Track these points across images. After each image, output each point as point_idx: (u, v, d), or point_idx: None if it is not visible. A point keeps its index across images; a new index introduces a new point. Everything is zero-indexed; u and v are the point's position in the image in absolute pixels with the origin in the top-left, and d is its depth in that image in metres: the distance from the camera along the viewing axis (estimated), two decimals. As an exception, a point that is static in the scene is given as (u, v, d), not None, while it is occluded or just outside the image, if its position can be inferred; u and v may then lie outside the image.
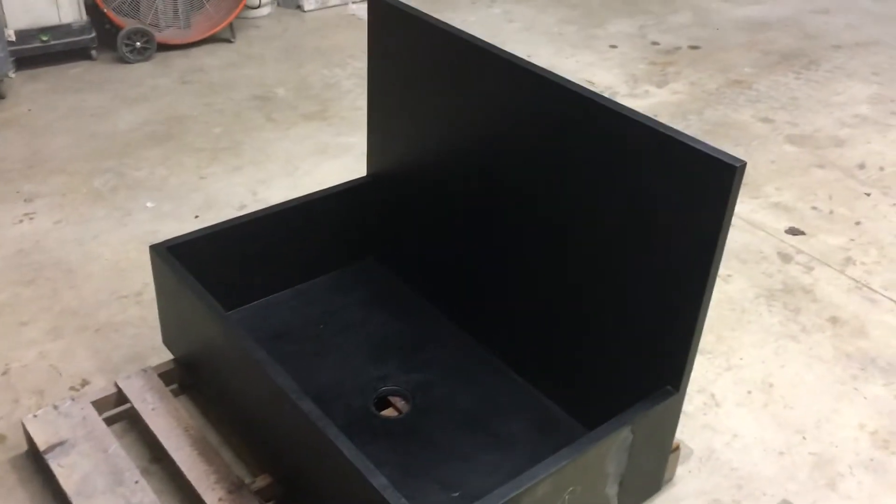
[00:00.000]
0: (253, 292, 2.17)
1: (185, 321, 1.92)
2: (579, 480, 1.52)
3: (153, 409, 1.90)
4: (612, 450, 1.55)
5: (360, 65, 3.88)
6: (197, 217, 2.75)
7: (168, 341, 2.05)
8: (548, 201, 1.76)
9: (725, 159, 1.38)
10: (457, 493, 1.72)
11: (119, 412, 1.98)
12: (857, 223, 2.90)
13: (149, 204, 2.81)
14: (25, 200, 2.79)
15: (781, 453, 2.02)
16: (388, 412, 1.93)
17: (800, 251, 2.74)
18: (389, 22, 2.03)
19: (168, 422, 1.87)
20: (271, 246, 2.14)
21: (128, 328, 2.28)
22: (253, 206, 2.81)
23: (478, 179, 1.94)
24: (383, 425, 1.88)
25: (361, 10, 4.45)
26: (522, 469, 1.74)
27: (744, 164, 1.38)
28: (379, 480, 1.40)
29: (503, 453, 1.81)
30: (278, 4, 4.49)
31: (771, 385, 2.21)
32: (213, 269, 1.99)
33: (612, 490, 1.62)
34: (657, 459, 1.72)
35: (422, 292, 2.23)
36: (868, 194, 3.07)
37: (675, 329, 1.56)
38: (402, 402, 1.95)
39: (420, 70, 1.99)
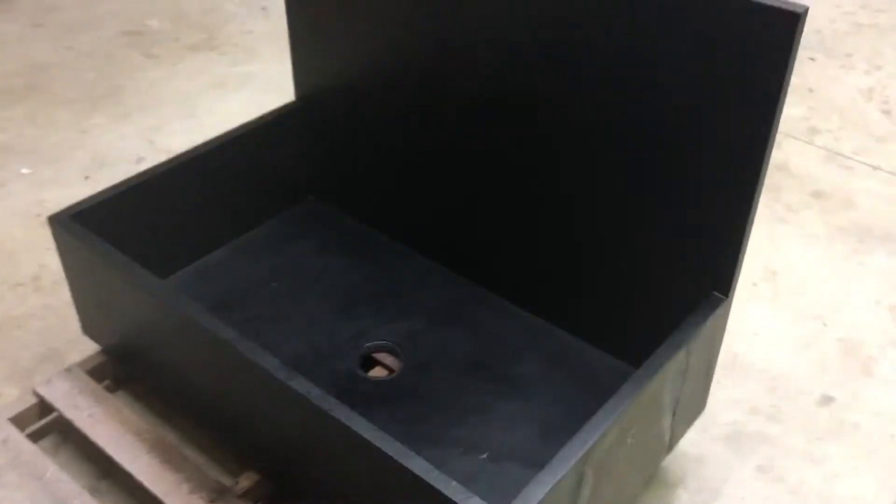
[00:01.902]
0: (181, 257, 1.80)
1: (109, 301, 1.54)
2: (640, 418, 1.28)
3: (90, 416, 1.54)
4: (669, 377, 1.31)
5: (237, -17, 3.42)
6: (87, 178, 2.32)
7: (90, 330, 1.67)
8: (555, 98, 1.46)
9: (785, 7, 1.12)
10: (484, 455, 1.45)
11: (45, 424, 1.60)
12: (810, 90, 2.74)
13: (24, 170, 2.35)
14: None
15: (807, 345, 1.84)
16: (378, 372, 1.64)
17: (760, 127, 2.56)
18: None
19: (112, 427, 1.52)
20: (194, 199, 1.77)
21: (32, 322, 1.87)
22: (153, 157, 2.39)
23: (449, 82, 1.61)
24: (377, 388, 1.58)
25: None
26: (547, 416, 1.52)
27: (806, 10, 1.12)
28: (417, 463, 1.11)
29: (521, 400, 1.55)
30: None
31: (774, 273, 2.03)
32: (128, 235, 1.60)
33: (666, 421, 1.40)
34: (705, 377, 1.50)
35: (382, 229, 1.91)
36: (812, 59, 2.91)
37: (726, 222, 1.32)
38: (392, 359, 1.65)
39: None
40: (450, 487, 1.08)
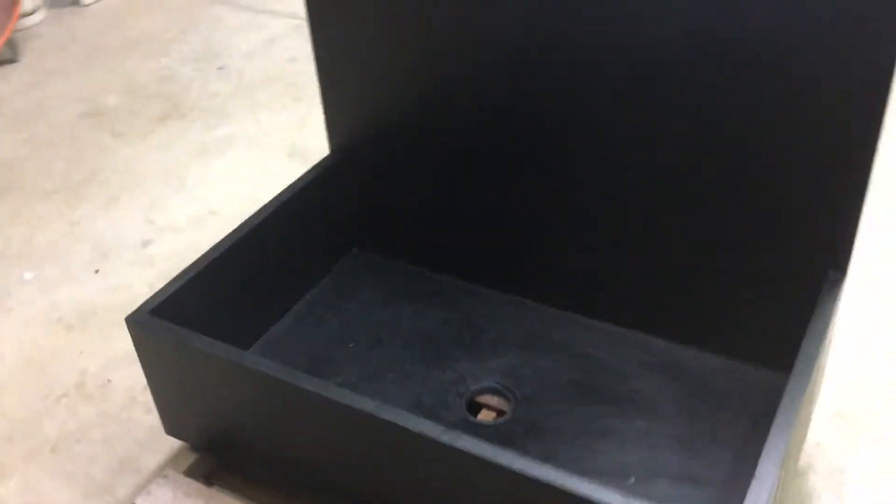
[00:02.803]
0: (249, 334, 1.71)
1: (199, 392, 1.44)
2: (803, 415, 1.27)
3: (208, 521, 1.43)
4: (819, 367, 1.31)
5: (186, 48, 3.31)
6: (97, 271, 2.18)
7: (175, 428, 1.55)
8: (624, 118, 1.45)
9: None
10: (631, 479, 1.41)
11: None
12: None
13: (26, 275, 2.19)
14: None
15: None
16: (486, 415, 1.58)
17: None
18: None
19: (232, 526, 1.42)
20: (253, 274, 1.68)
21: (92, 433, 1.74)
22: (160, 238, 2.28)
23: (497, 114, 1.58)
24: (495, 432, 1.52)
25: (150, -10, 3.82)
26: (676, 428, 1.49)
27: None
28: (608, 495, 1.07)
29: (644, 417, 1.52)
30: (48, 7, 3.75)
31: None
32: (203, 322, 1.50)
33: (808, 411, 1.39)
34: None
35: (437, 269, 1.85)
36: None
37: (841, 202, 1.32)
38: (497, 399, 1.60)
39: (390, 7, 1.58)
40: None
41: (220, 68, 3.13)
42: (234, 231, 1.66)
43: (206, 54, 3.25)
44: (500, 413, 1.58)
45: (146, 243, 2.27)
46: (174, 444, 1.66)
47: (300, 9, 3.52)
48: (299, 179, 1.77)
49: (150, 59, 3.23)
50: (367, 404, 1.23)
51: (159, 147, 2.69)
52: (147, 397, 1.80)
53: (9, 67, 3.25)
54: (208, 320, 1.54)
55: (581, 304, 1.70)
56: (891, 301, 1.91)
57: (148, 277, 2.15)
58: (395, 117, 1.73)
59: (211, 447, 1.54)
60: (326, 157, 1.83)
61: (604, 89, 1.45)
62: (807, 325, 1.34)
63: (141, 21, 3.57)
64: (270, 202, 1.72)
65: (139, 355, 1.48)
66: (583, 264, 1.66)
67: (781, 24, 1.24)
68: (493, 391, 1.61)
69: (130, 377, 1.85)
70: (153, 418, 1.74)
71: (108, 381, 1.86)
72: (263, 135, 2.71)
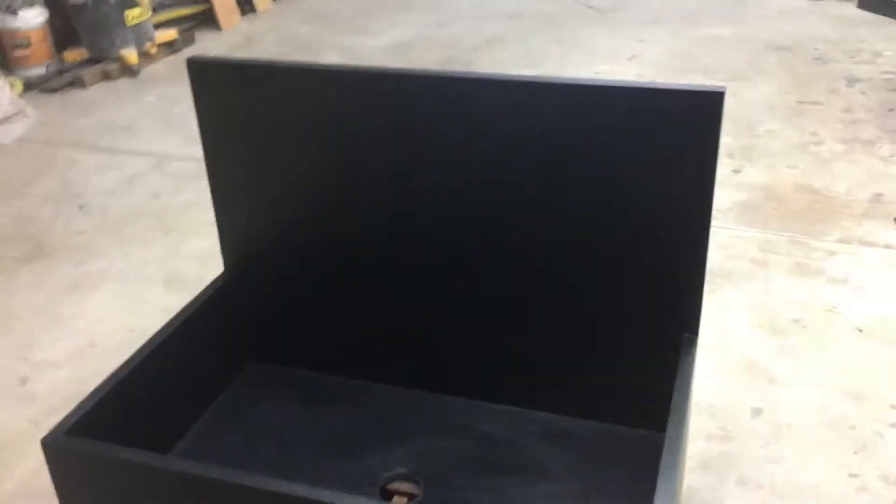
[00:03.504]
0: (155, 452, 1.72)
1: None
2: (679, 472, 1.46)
3: None
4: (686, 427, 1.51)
5: (42, 189, 3.32)
6: (-23, 412, 2.12)
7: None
8: (499, 212, 1.66)
9: (709, 90, 1.43)
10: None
11: None
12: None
13: None
14: None
15: (715, 373, 2.15)
16: (399, 501, 1.67)
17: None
18: (216, 83, 1.74)
19: None
20: (157, 392, 1.72)
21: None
22: (37, 374, 2.25)
23: (378, 224, 1.76)
24: (412, 516, 1.62)
25: (-4, 136, 3.80)
26: (574, 488, 1.65)
27: (724, 89, 1.43)
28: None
29: (545, 482, 1.66)
30: None
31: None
32: (112, 442, 1.53)
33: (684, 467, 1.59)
34: (691, 410, 1.72)
35: (335, 372, 1.96)
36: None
37: (688, 275, 1.57)
38: (408, 485, 1.70)
39: (275, 125, 1.74)
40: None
41: (81, 207, 3.15)
42: (138, 351, 1.69)
43: (65, 195, 3.26)
44: (411, 497, 1.67)
45: (24, 380, 2.23)
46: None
47: (157, 147, 3.65)
48: (197, 297, 1.85)
49: (4, 204, 3.21)
50: (304, 490, 1.31)
51: (27, 287, 2.66)
52: (46, 531, 1.76)
53: None
54: (116, 440, 1.56)
55: (474, 389, 1.85)
56: (731, 353, 2.19)
57: (30, 414, 2.11)
58: (284, 234, 1.86)
59: (131, 566, 1.53)
60: (221, 274, 1.92)
61: (474, 192, 1.67)
62: (670, 384, 1.56)
63: (-10, 167, 3.54)
64: (171, 321, 1.78)
65: (54, 478, 1.47)
66: (472, 354, 1.82)
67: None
68: (404, 477, 1.71)
69: (24, 515, 1.81)
70: (55, 554, 1.70)
71: (4, 518, 1.80)
72: (136, 267, 2.75)
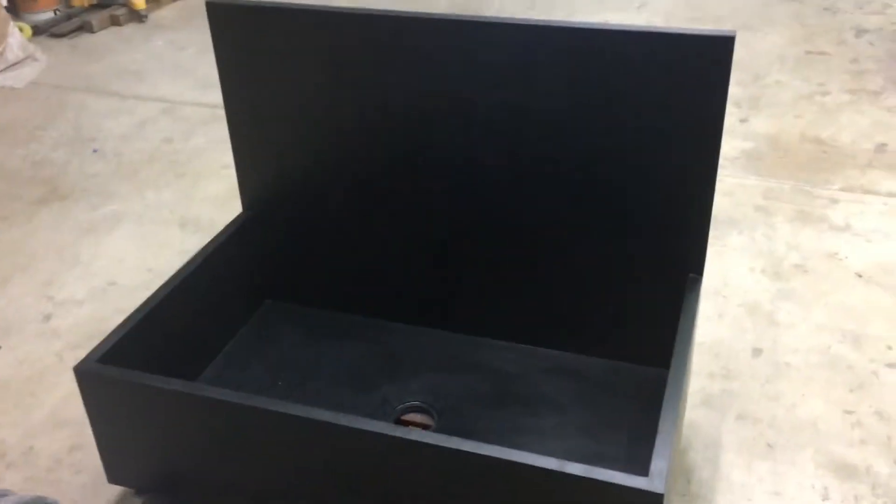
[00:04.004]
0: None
1: (154, 429, 1.52)
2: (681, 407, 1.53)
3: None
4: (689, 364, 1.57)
5: (55, 133, 3.34)
6: (1, 348, 2.18)
7: (119, 476, 1.62)
8: (509, 153, 1.71)
9: (720, 34, 1.46)
10: (550, 465, 1.62)
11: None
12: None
13: (-77, 358, 2.16)
14: None
15: (720, 315, 2.21)
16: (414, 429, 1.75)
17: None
18: (236, 25, 1.77)
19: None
20: (181, 326, 1.79)
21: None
22: (60, 312, 2.31)
23: (395, 161, 1.81)
24: (426, 443, 1.69)
25: (9, 80, 3.81)
26: (582, 420, 1.73)
27: (734, 33, 1.47)
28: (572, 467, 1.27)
29: (554, 414, 1.74)
30: None
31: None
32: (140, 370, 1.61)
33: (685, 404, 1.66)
34: (694, 348, 1.79)
35: (350, 311, 2.02)
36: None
37: (694, 217, 1.63)
38: (421, 416, 1.77)
39: (292, 68, 1.78)
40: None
41: (94, 151, 3.19)
42: (163, 286, 1.76)
43: (78, 138, 3.29)
44: (425, 427, 1.75)
45: (47, 317, 2.30)
46: (111, 497, 1.72)
47: (166, 92, 3.68)
48: (217, 236, 1.91)
49: (19, 147, 3.24)
50: (325, 415, 1.38)
51: (45, 228, 2.72)
52: (74, 459, 1.84)
53: None
54: (144, 370, 1.64)
55: (485, 328, 1.92)
56: (734, 297, 2.25)
57: (55, 348, 2.17)
58: (300, 175, 1.91)
59: (160, 488, 1.62)
60: (239, 214, 1.98)
61: (491, 135, 1.71)
62: (674, 323, 1.63)
63: (1, 112, 3.56)
64: (193, 258, 1.84)
65: (86, 403, 1.55)
66: (483, 293, 1.89)
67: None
68: (417, 409, 1.78)
69: (54, 442, 1.88)
70: (84, 478, 1.79)
71: (31, 448, 1.88)
72: (152, 210, 2.79)
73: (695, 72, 1.50)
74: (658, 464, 1.26)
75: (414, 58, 1.69)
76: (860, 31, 4.05)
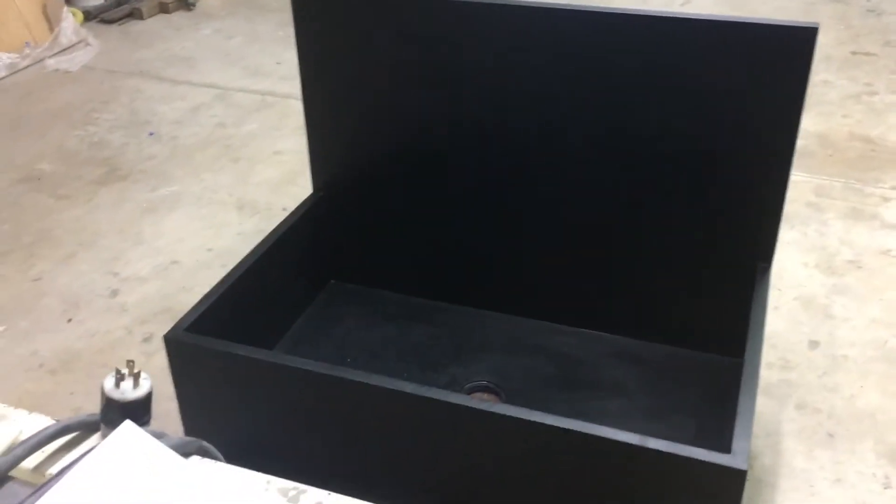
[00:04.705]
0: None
1: (240, 398, 1.57)
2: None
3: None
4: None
5: (111, 116, 3.41)
6: (70, 320, 2.25)
7: (201, 444, 1.67)
8: (579, 140, 1.74)
9: (803, 25, 1.49)
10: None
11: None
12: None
13: (-3, 328, 2.23)
14: None
15: (774, 307, 2.24)
16: (485, 396, 1.79)
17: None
18: (318, 5, 1.82)
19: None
20: (256, 302, 1.83)
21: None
22: (126, 288, 2.37)
23: (471, 148, 1.85)
24: (495, 421, 1.73)
25: (63, 63, 3.89)
26: (647, 404, 1.75)
27: (818, 24, 1.49)
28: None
29: (620, 398, 1.78)
30: (-44, 82, 3.75)
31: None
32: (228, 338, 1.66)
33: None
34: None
35: (415, 294, 2.06)
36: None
37: (767, 206, 1.65)
38: (489, 396, 1.81)
39: (370, 52, 1.82)
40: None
41: (150, 134, 3.25)
42: (241, 263, 1.80)
43: (134, 122, 3.36)
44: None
45: (114, 293, 2.36)
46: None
47: (217, 79, 3.73)
48: (290, 215, 1.95)
49: (77, 128, 3.31)
50: (407, 386, 1.42)
51: (106, 207, 2.78)
52: (155, 426, 1.89)
53: (-73, 140, 3.24)
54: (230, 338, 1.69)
55: (550, 312, 1.95)
56: (790, 290, 2.28)
57: (123, 322, 2.24)
58: (371, 155, 1.95)
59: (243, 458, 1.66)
60: (310, 195, 2.02)
61: (565, 121, 1.74)
62: (738, 312, 1.66)
63: (57, 94, 3.64)
64: (268, 236, 1.88)
65: (174, 373, 1.60)
66: (549, 277, 1.92)
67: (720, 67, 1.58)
68: (485, 389, 1.82)
69: (127, 412, 1.94)
70: (158, 446, 1.84)
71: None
72: (210, 192, 2.85)
73: (776, 63, 1.53)
74: (740, 443, 1.29)
75: (493, 45, 1.72)
76: (906, 33, 4.06)
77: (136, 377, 0.86)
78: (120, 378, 0.86)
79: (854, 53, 3.86)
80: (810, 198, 2.74)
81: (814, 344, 2.11)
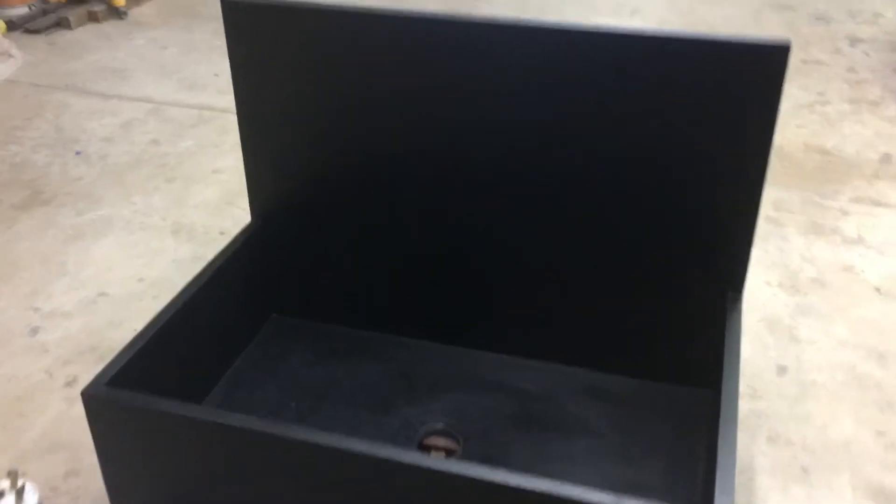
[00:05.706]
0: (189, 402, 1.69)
1: (165, 455, 1.41)
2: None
3: None
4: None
5: (35, 133, 3.19)
6: (-14, 363, 2.05)
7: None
8: (537, 163, 1.62)
9: (774, 43, 1.39)
10: (587, 494, 1.54)
11: None
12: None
13: None
14: None
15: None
16: (437, 455, 1.65)
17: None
18: (251, 25, 1.67)
19: None
20: (189, 344, 1.67)
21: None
22: (48, 324, 2.18)
23: (419, 175, 1.71)
24: (453, 470, 1.60)
25: (-15, 77, 3.65)
26: (615, 444, 1.65)
27: (790, 41, 1.40)
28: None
29: (585, 438, 1.66)
30: None
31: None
32: (150, 392, 1.49)
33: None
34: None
35: (362, 326, 1.92)
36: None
37: (737, 233, 1.55)
38: (444, 440, 1.68)
39: (308, 73, 1.68)
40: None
41: (78, 153, 3.05)
42: (171, 303, 1.64)
43: (60, 140, 3.15)
44: (449, 452, 1.66)
45: (34, 331, 2.16)
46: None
47: (151, 92, 3.54)
48: (227, 247, 1.79)
49: (-3, 147, 3.09)
50: (355, 444, 1.27)
51: (28, 235, 2.57)
52: (71, 486, 1.72)
53: None
54: (153, 391, 1.52)
55: (508, 345, 1.83)
56: (753, 312, 2.19)
57: (44, 364, 2.04)
58: (313, 182, 1.81)
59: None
60: (249, 223, 1.87)
61: (519, 146, 1.62)
62: (708, 342, 1.56)
63: (-23, 109, 3.41)
64: (202, 271, 1.72)
65: (93, 432, 1.43)
66: (506, 308, 1.80)
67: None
68: (441, 433, 1.69)
69: (48, 468, 1.75)
70: (81, 505, 1.67)
71: (23, 474, 1.75)
72: (142, 215, 2.67)
73: (746, 82, 1.43)
74: (723, 500, 1.18)
75: (438, 62, 1.59)
76: (854, 41, 4.04)
77: (20, 492, 0.70)
78: (-1, 492, 0.70)
79: (804, 62, 3.82)
80: (769, 212, 2.67)
81: (782, 370, 2.03)
